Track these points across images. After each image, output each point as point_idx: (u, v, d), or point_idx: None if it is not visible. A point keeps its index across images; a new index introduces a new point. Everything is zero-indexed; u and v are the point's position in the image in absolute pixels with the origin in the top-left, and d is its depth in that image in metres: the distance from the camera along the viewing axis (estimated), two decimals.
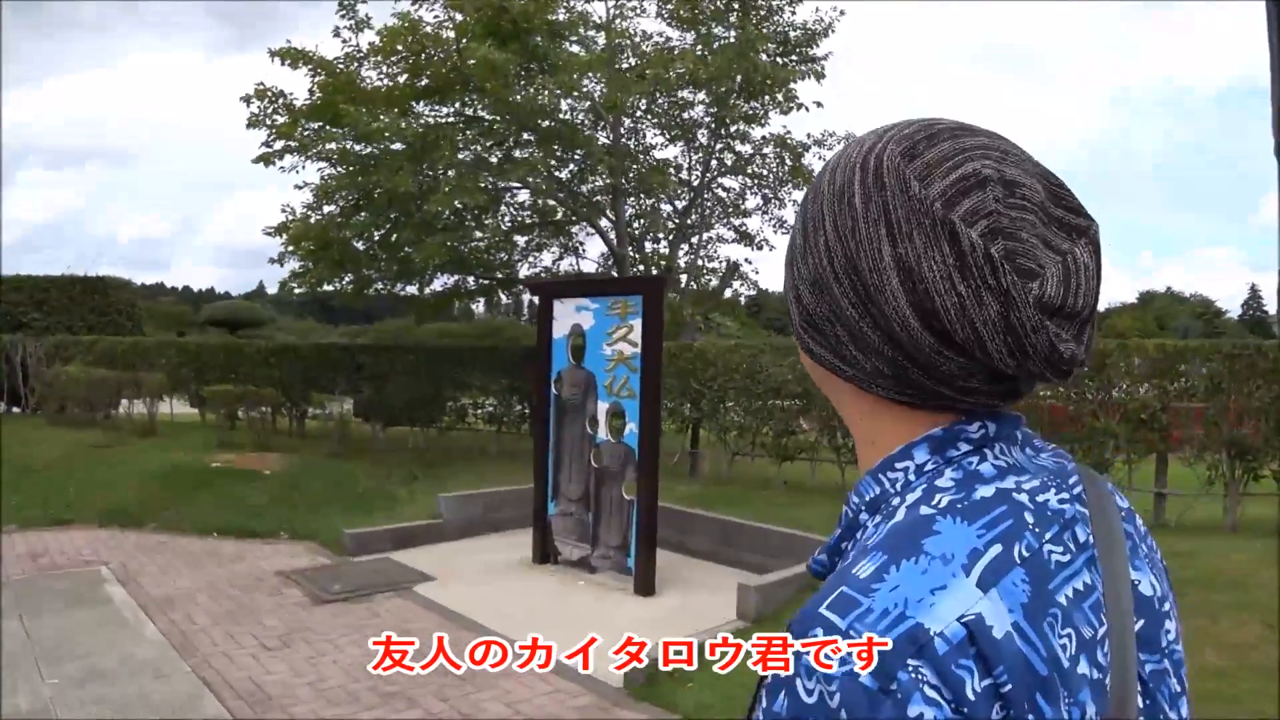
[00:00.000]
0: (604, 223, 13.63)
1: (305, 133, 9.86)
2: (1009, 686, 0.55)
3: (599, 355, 6.99)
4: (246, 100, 10.41)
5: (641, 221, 14.17)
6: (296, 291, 13.41)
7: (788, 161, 16.00)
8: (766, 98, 14.57)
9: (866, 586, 0.57)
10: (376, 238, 11.53)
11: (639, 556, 6.67)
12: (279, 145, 10.47)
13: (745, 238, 17.24)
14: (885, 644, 0.54)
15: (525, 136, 10.68)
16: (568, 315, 7.23)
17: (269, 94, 10.16)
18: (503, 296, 16.41)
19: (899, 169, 0.63)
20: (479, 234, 12.57)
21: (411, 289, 14.25)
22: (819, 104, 13.38)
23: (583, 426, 7.15)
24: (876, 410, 0.70)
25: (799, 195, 17.21)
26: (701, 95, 14.31)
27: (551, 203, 13.29)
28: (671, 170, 15.16)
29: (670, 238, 15.58)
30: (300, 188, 11.01)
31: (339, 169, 10.41)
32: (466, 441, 12.47)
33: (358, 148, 9.59)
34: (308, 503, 8.84)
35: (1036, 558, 0.60)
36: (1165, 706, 0.65)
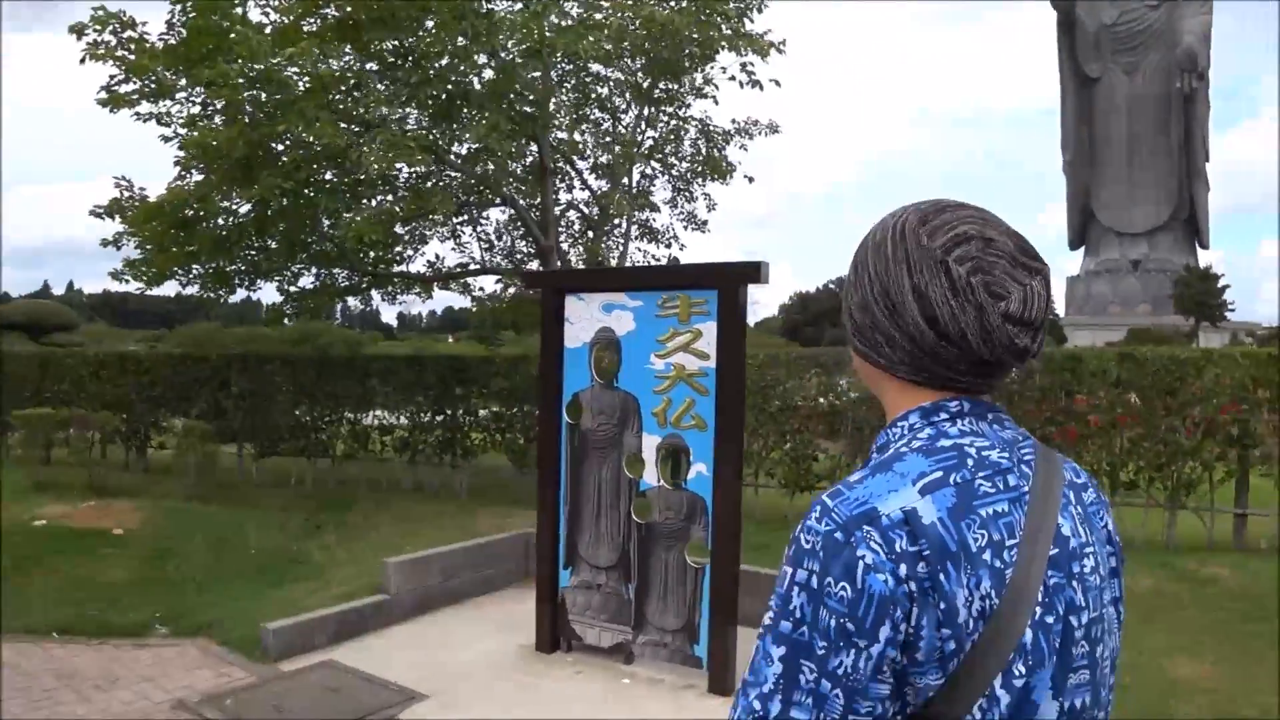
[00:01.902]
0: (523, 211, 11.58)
1: (168, 75, 7.34)
2: (927, 551, 0.92)
3: (643, 371, 5.09)
4: (79, 31, 7.73)
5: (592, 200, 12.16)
6: (134, 286, 10.60)
7: (702, 150, 14.48)
8: (687, 79, 12.98)
9: (850, 484, 0.98)
10: (248, 212, 9.00)
11: (715, 642, 4.84)
12: (131, 87, 7.83)
13: (651, 234, 15.59)
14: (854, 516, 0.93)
15: (465, 87, 8.52)
16: (590, 317, 5.28)
17: (114, 21, 7.51)
18: (377, 296, 13.81)
19: (915, 229, 1.04)
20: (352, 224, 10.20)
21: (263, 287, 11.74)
22: (758, 83, 11.79)
23: (616, 469, 5.22)
24: (897, 389, 1.10)
25: (713, 188, 15.82)
26: (621, 69, 12.56)
27: (461, 177, 11.06)
28: (589, 151, 13.28)
29: (591, 230, 13.70)
30: (170, 139, 8.22)
31: (216, 120, 7.87)
32: (370, 474, 10.11)
33: (249, 93, 7.18)
34: (189, 576, 6.41)
35: (968, 485, 0.98)
36: (1060, 609, 0.97)
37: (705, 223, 15.89)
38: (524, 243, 14.21)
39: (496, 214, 13.93)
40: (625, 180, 13.52)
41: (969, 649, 0.91)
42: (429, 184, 9.50)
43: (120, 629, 5.61)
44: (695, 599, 4.98)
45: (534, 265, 13.99)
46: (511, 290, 14.69)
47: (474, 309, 15.46)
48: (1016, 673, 0.93)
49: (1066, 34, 39.95)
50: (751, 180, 14.08)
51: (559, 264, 11.98)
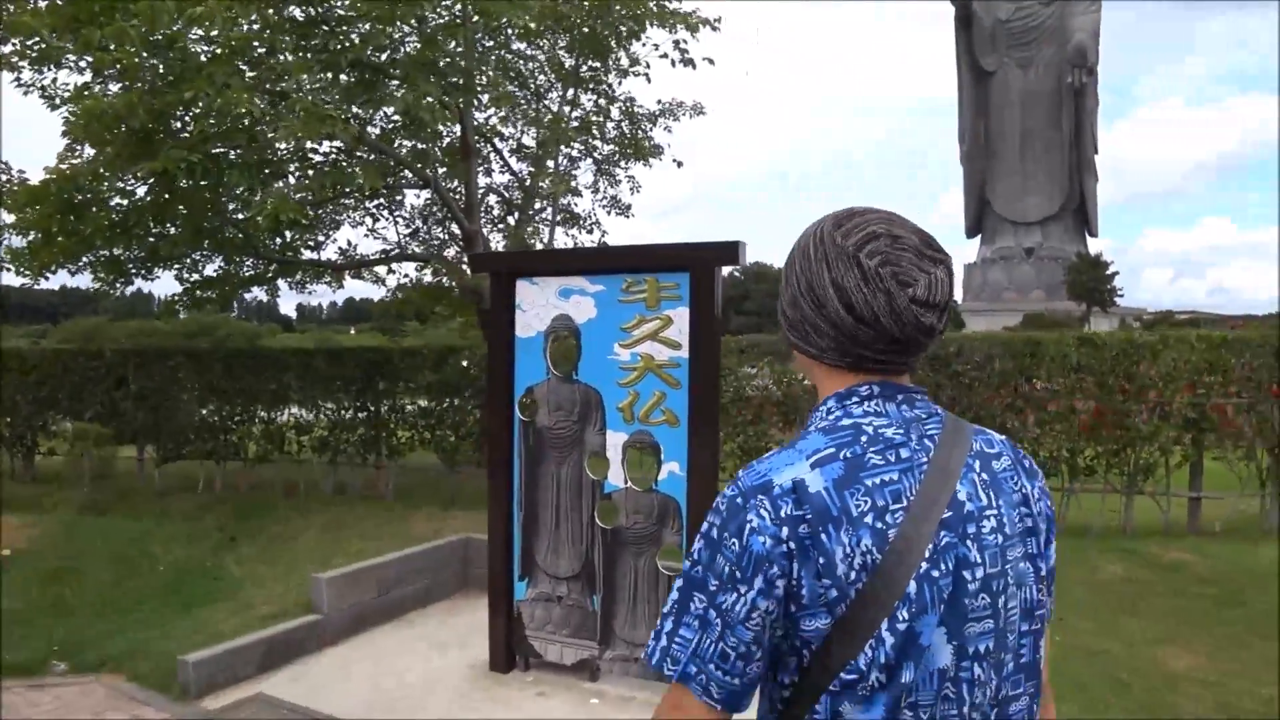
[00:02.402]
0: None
1: (54, 39, 6.48)
2: (809, 515, 1.08)
3: (606, 362, 4.64)
4: None
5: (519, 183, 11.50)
6: (19, 279, 9.61)
7: (626, 132, 14.05)
8: (613, 57, 12.53)
9: (761, 460, 1.17)
10: (146, 192, 8.13)
11: None
12: (10, 49, 6.91)
13: (572, 219, 15.10)
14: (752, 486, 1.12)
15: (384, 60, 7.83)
16: (545, 303, 4.80)
17: None
18: (284, 286, 12.96)
19: (831, 232, 1.20)
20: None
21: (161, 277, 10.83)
22: (690, 61, 11.40)
23: (577, 469, 4.77)
24: (825, 374, 1.25)
25: (637, 170, 15.39)
26: (545, 48, 12.03)
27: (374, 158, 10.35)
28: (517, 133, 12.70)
29: (515, 215, 13.11)
30: (57, 106, 7.27)
31: (111, 89, 7.01)
32: (287, 477, 9.38)
33: (150, 61, 6.37)
34: (90, 602, 5.70)
35: (857, 459, 1.13)
36: (949, 565, 1.11)
37: (629, 207, 15.48)
38: (441, 229, 13.56)
39: (413, 199, 13.26)
40: (550, 163, 13.00)
41: (853, 596, 1.08)
42: (343, 165, 8.78)
43: (11, 668, 4.90)
44: None
45: (452, 252, 13.36)
46: (429, 277, 14.02)
47: (388, 298, 14.71)
48: (900, 618, 1.08)
49: (964, 29, 40.92)
50: (680, 164, 13.71)
51: (483, 249, 11.39)
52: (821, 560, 1.08)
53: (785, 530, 1.09)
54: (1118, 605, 5.52)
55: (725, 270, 4.52)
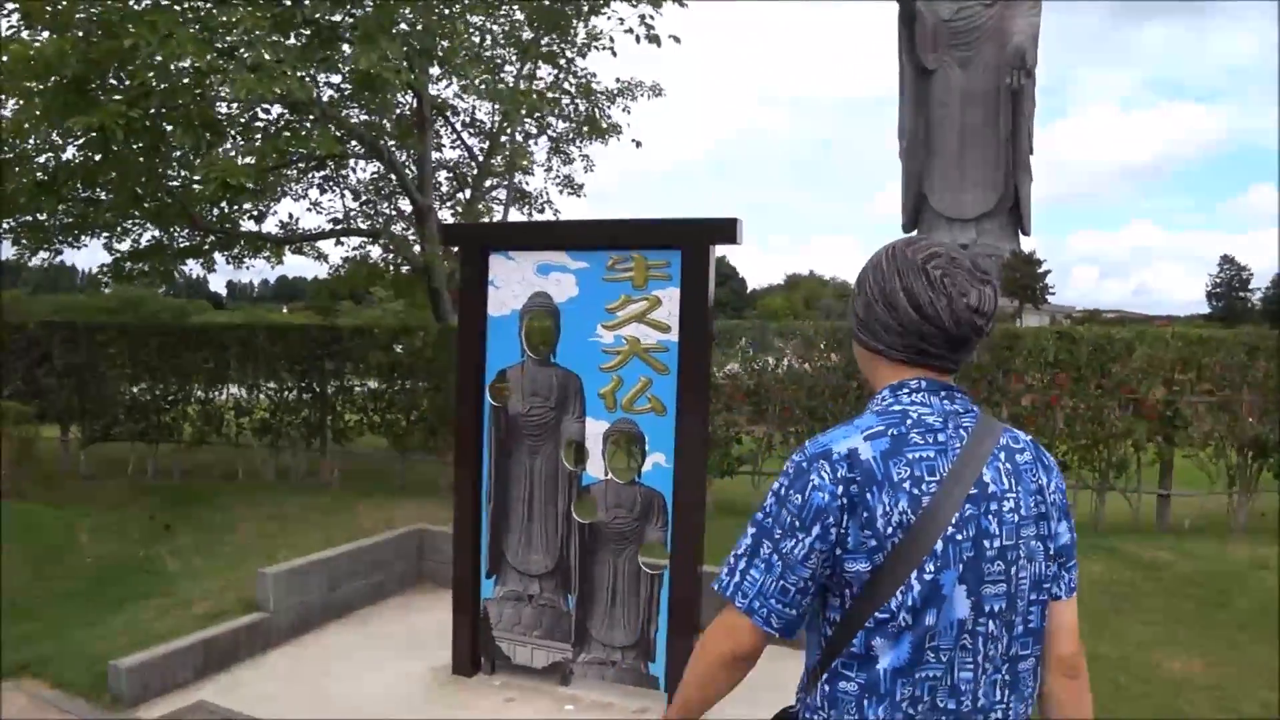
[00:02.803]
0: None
1: None
2: (859, 478, 1.35)
3: (588, 345, 4.31)
4: None
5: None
6: None
7: (582, 110, 13.67)
8: (572, 31, 12.13)
9: (823, 435, 1.45)
10: (78, 151, 7.51)
11: (674, 659, 4.17)
12: None
13: (523, 197, 14.69)
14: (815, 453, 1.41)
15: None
16: (521, 280, 4.44)
17: None
18: (220, 260, 12.32)
19: (902, 250, 1.48)
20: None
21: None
22: (656, 38, 11.05)
23: (553, 460, 4.43)
24: (887, 367, 1.51)
25: (593, 149, 15.00)
26: (502, 21, 11.58)
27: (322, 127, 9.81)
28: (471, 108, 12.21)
29: (467, 191, 12.66)
30: None
31: (43, 36, 6.40)
32: (225, 462, 8.85)
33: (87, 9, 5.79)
34: (8, 599, 5.18)
35: (902, 437, 1.39)
36: (970, 532, 1.37)
37: (581, 186, 15.10)
38: (389, 204, 13.03)
39: (359, 173, 12.72)
40: (505, 138, 12.55)
41: (889, 548, 1.35)
42: (297, 128, 8.25)
43: None
44: (651, 610, 4.27)
45: (398, 228, 12.85)
46: (377, 253, 13.48)
47: (331, 274, 14.13)
48: (927, 570, 1.35)
49: (907, 26, 41.40)
50: (639, 144, 13.38)
51: (435, 227, 10.93)
52: (866, 514, 1.36)
53: (840, 488, 1.37)
54: (1107, 606, 5.37)
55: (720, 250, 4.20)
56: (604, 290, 4.27)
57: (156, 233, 11.17)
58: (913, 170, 39.81)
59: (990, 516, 1.40)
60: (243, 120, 7.93)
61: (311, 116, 7.96)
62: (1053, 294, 49.07)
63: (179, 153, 7.50)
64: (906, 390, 1.47)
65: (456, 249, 5.69)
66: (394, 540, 6.07)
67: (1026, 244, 39.27)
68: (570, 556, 4.41)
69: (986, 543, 1.39)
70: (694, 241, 4.09)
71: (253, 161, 6.68)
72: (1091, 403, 6.77)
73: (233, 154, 5.99)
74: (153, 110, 6.19)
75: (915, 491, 1.36)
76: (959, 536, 1.36)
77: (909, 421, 1.43)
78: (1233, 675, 4.51)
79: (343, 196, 11.89)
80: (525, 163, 12.07)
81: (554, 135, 14.13)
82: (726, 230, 4.07)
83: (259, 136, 7.37)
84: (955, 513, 1.36)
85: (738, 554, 1.45)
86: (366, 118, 10.00)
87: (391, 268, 13.22)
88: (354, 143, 10.50)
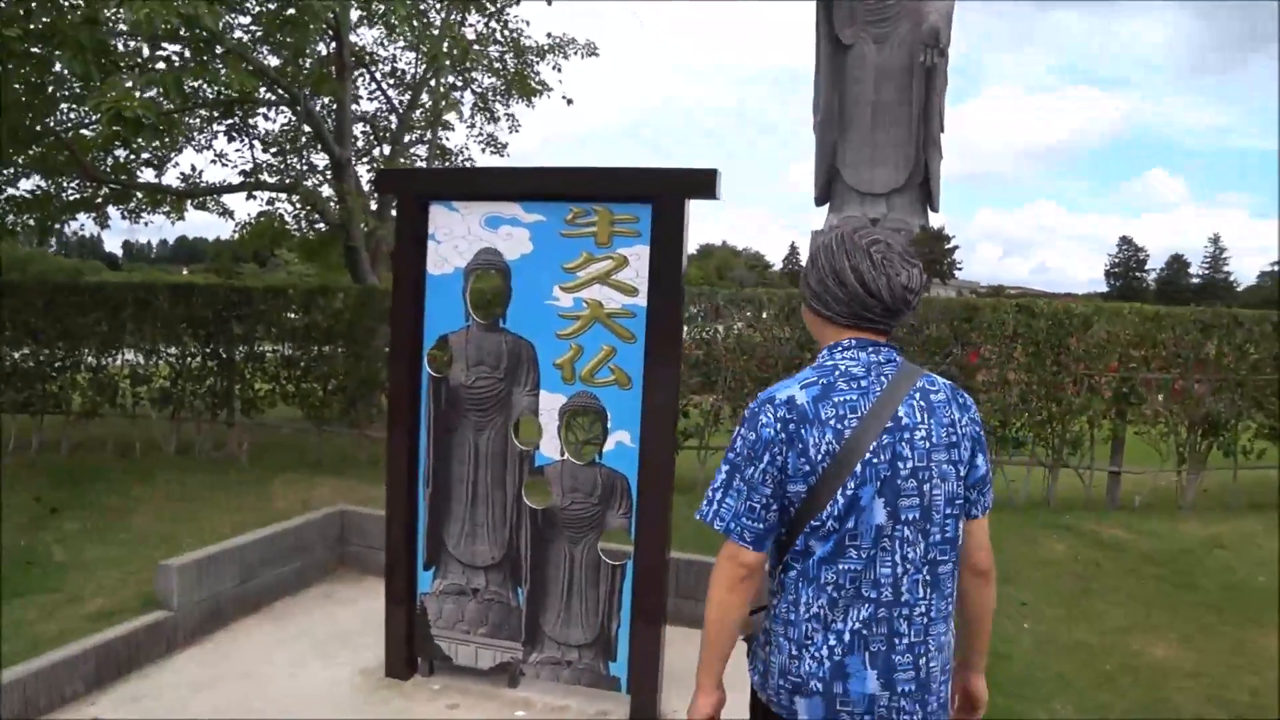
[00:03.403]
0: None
1: None
2: (795, 417, 1.72)
3: (543, 309, 3.82)
4: None
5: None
6: None
7: (510, 65, 13.01)
8: None
9: (770, 388, 1.82)
10: None
11: (638, 657, 3.77)
12: None
13: (444, 154, 13.97)
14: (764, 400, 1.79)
15: None
16: (467, 234, 3.92)
17: None
18: (116, 214, 11.33)
19: (849, 235, 1.83)
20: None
21: None
22: None
23: (501, 438, 3.94)
24: (833, 331, 1.85)
25: (518, 109, 14.33)
26: None
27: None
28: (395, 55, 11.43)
29: (386, 146, 11.89)
30: None
31: None
32: (120, 435, 8.07)
33: None
34: None
35: (830, 385, 1.75)
36: (886, 457, 1.72)
37: (505, 146, 14.46)
38: (301, 157, 12.15)
39: (268, 123, 11.81)
40: (428, 90, 11.81)
41: (819, 473, 1.73)
42: (205, 63, 7.45)
43: None
44: (613, 605, 3.84)
45: (312, 183, 12.02)
46: (288, 210, 12.62)
47: (236, 233, 13.16)
48: (849, 487, 1.72)
49: (825, 1, 41.58)
50: (570, 102, 12.79)
51: (353, 182, 10.18)
52: (800, 446, 1.74)
53: (780, 426, 1.75)
54: (1076, 589, 5.17)
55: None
56: (562, 247, 3.78)
57: (42, 182, 10.17)
58: (826, 144, 40.16)
59: (904, 444, 1.75)
60: (143, 56, 7.05)
61: (220, 52, 7.14)
62: (960, 269, 50.18)
63: (68, 90, 6.66)
64: (840, 349, 1.84)
65: (389, 199, 5.08)
66: (313, 524, 5.49)
67: (935, 220, 40.17)
68: (520, 546, 3.94)
69: (900, 464, 1.74)
70: (668, 195, 3.63)
71: (152, 95, 5.89)
72: (1048, 378, 6.57)
73: (130, 86, 5.23)
74: (34, 29, 5.35)
75: (839, 427, 1.73)
76: (875, 460, 1.72)
77: (837, 373, 1.79)
78: (1215, 661, 4.34)
79: (251, 148, 11.00)
80: (453, 110, 11.36)
81: (479, 90, 13.44)
82: (704, 183, 3.61)
83: (160, 71, 6.56)
84: (873, 441, 1.72)
85: (714, 487, 1.81)
86: (279, 62, 9.18)
87: (304, 224, 12.38)
88: (265, 90, 9.67)
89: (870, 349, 1.81)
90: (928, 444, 1.76)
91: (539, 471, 3.90)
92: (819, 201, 40.36)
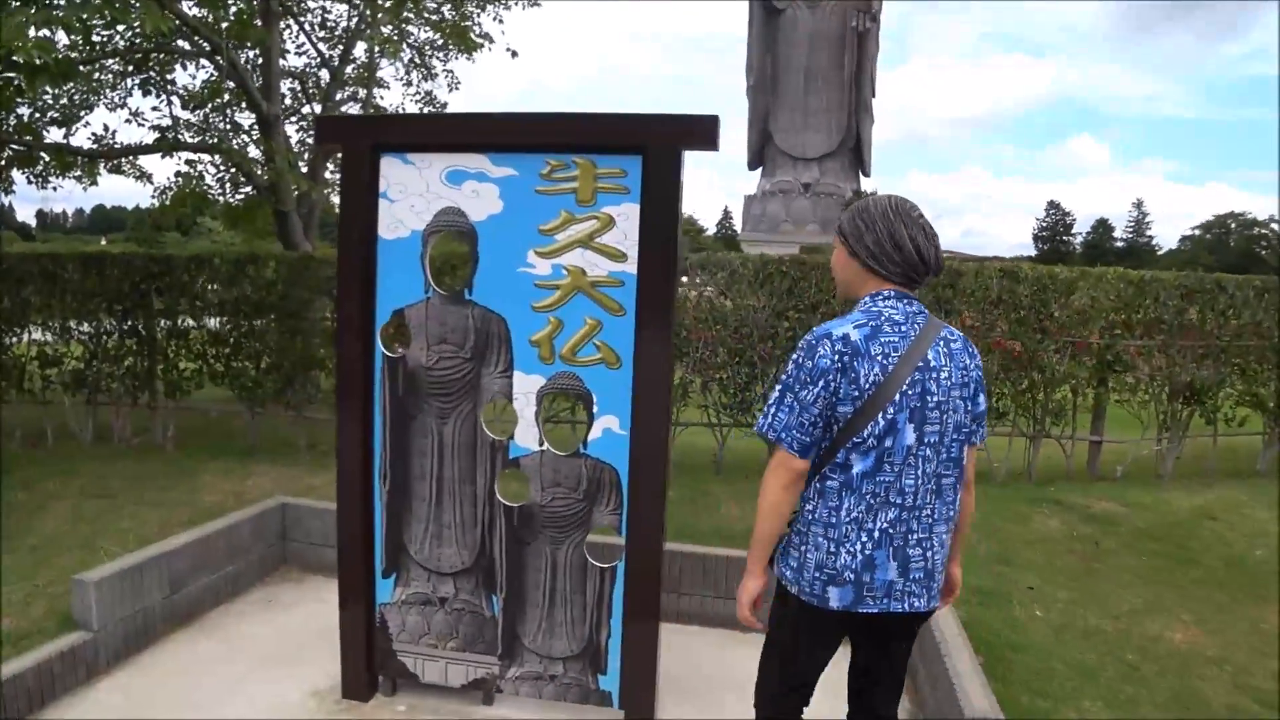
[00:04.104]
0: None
1: None
2: (849, 351, 2.11)
3: (516, 278, 3.32)
4: None
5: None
6: None
7: (448, 17, 12.30)
8: None
9: (825, 325, 2.20)
10: None
11: (630, 669, 3.35)
12: None
13: (377, 112, 13.20)
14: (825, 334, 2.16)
15: None
16: (425, 191, 3.39)
17: None
18: (20, 180, 10.41)
19: (899, 204, 2.26)
20: None
21: None
22: None
23: (470, 426, 3.45)
24: (875, 283, 2.25)
25: (458, 65, 13.56)
26: None
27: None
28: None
29: (315, 105, 11.11)
30: None
31: None
32: (28, 422, 7.32)
33: None
34: None
35: (877, 328, 2.15)
36: (916, 390, 2.12)
37: (445, 105, 13.77)
38: (224, 116, 11.29)
39: (188, 78, 10.93)
40: (364, 38, 11.02)
41: (865, 398, 2.09)
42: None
43: None
44: (601, 613, 3.40)
45: (236, 143, 11.19)
46: (211, 172, 11.76)
47: (155, 198, 12.23)
48: (888, 412, 2.10)
49: None
50: (515, 54, 12.12)
51: (283, 141, 9.43)
52: (853, 375, 2.10)
53: (837, 358, 2.11)
54: (1079, 569, 4.89)
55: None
56: (537, 205, 3.27)
57: None
58: (758, 108, 40.14)
59: (931, 381, 2.16)
60: None
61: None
62: None
63: None
64: (882, 297, 2.23)
65: (322, 159, 4.46)
66: (250, 521, 4.93)
67: (866, 185, 40.55)
68: (494, 549, 3.47)
69: (928, 398, 2.15)
70: (661, 144, 3.14)
71: (50, 35, 5.15)
72: (1032, 346, 6.28)
73: (23, 23, 4.52)
74: None
75: (884, 362, 2.12)
76: (909, 392, 2.13)
77: (882, 318, 2.18)
78: (1234, 644, 4.10)
79: (169, 104, 10.12)
80: (394, 56, 10.60)
81: (415, 45, 12.69)
82: (704, 131, 3.13)
83: (60, 8, 5.75)
84: (909, 377, 2.13)
85: (769, 404, 2.21)
86: (200, 12, 8.38)
87: (229, 188, 11.55)
88: (183, 41, 8.85)
89: (906, 300, 2.23)
90: (949, 383, 2.18)
91: (514, 463, 3.42)
92: (751, 165, 40.28)
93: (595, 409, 3.30)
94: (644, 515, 3.29)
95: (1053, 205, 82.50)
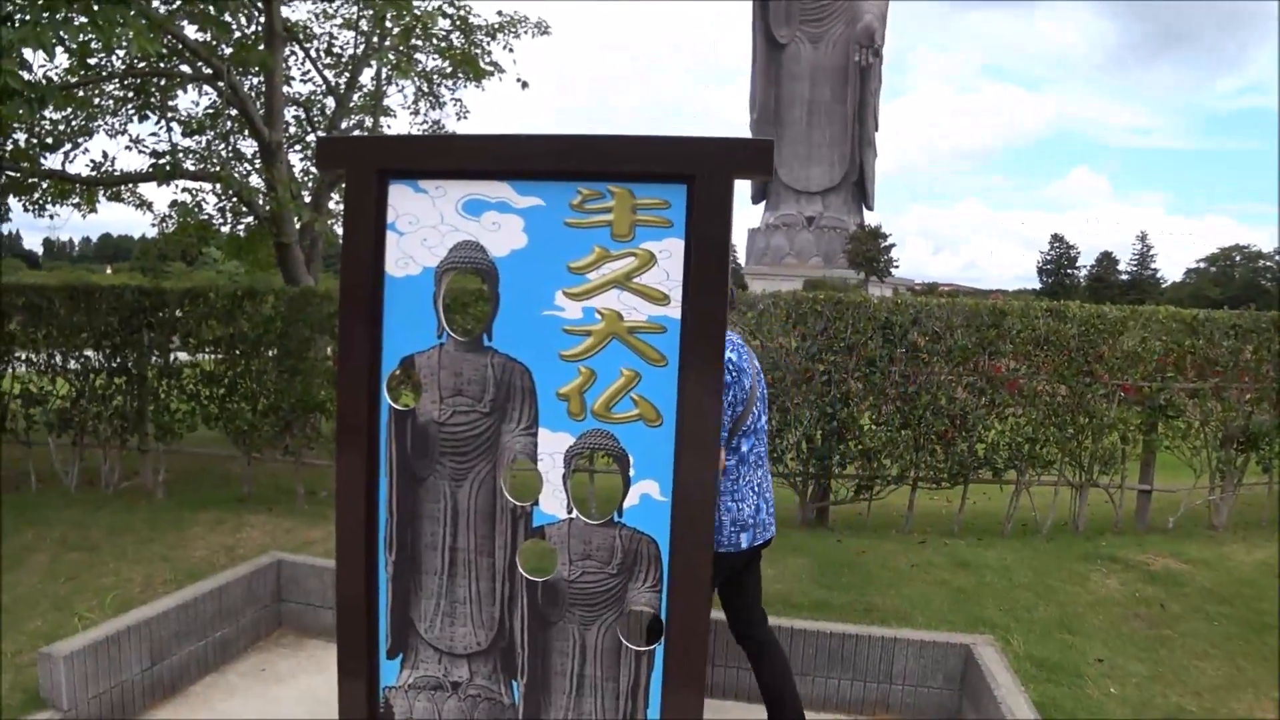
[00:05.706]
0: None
1: None
2: (733, 364, 3.24)
3: (541, 322, 2.93)
4: None
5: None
6: None
7: (456, 45, 12.06)
8: None
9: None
10: None
11: None
12: None
13: None
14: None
15: None
16: (440, 222, 3.01)
17: None
18: (17, 207, 10.06)
19: None
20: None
21: None
22: None
23: (489, 489, 3.04)
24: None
25: (467, 94, 13.34)
26: None
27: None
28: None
29: (320, 132, 10.80)
30: None
31: None
32: (11, 464, 6.91)
33: None
34: None
35: (739, 351, 3.34)
36: (761, 391, 3.46)
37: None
38: (226, 143, 10.99)
39: (189, 104, 10.64)
40: (371, 69, 10.76)
41: (745, 399, 3.26)
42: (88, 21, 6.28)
43: None
44: (638, 701, 2.98)
45: (239, 172, 10.88)
46: (212, 201, 11.44)
47: (155, 226, 11.89)
48: (755, 411, 3.34)
49: (761, 0, 41.67)
50: (525, 85, 11.84)
51: (285, 169, 9.11)
52: (737, 385, 3.22)
53: (730, 371, 3.16)
54: (1148, 636, 4.47)
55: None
56: (567, 240, 2.89)
57: None
58: None
59: (761, 385, 3.44)
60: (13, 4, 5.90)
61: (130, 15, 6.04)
62: (897, 266, 50.10)
63: None
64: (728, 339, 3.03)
65: (327, 188, 4.07)
66: (242, 581, 4.53)
67: (870, 218, 40.46)
68: (515, 628, 3.05)
69: (762, 394, 3.42)
70: (710, 171, 2.76)
71: (31, 55, 4.82)
72: (1080, 389, 5.88)
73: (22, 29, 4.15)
74: None
75: (751, 372, 3.32)
76: (758, 393, 3.36)
77: (738, 341, 3.33)
78: None
79: (169, 130, 9.79)
80: (405, 78, 10.31)
81: (423, 73, 12.43)
82: (758, 156, 2.76)
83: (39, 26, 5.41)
84: (761, 384, 3.44)
85: None
86: (202, 35, 8.08)
87: (230, 217, 11.24)
88: (184, 65, 8.55)
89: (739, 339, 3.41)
90: (761, 382, 3.46)
91: (539, 532, 3.01)
92: (755, 199, 40.34)
93: (632, 472, 2.89)
94: (687, 592, 2.87)
95: (1057, 239, 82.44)
